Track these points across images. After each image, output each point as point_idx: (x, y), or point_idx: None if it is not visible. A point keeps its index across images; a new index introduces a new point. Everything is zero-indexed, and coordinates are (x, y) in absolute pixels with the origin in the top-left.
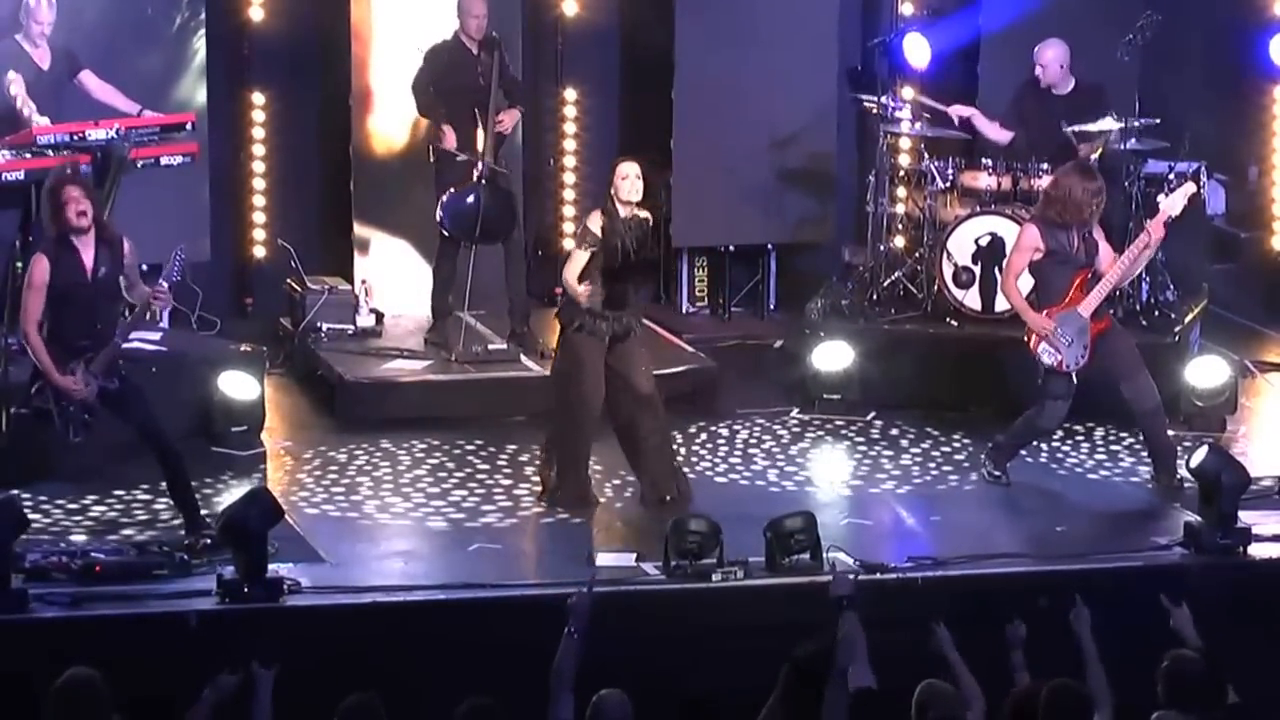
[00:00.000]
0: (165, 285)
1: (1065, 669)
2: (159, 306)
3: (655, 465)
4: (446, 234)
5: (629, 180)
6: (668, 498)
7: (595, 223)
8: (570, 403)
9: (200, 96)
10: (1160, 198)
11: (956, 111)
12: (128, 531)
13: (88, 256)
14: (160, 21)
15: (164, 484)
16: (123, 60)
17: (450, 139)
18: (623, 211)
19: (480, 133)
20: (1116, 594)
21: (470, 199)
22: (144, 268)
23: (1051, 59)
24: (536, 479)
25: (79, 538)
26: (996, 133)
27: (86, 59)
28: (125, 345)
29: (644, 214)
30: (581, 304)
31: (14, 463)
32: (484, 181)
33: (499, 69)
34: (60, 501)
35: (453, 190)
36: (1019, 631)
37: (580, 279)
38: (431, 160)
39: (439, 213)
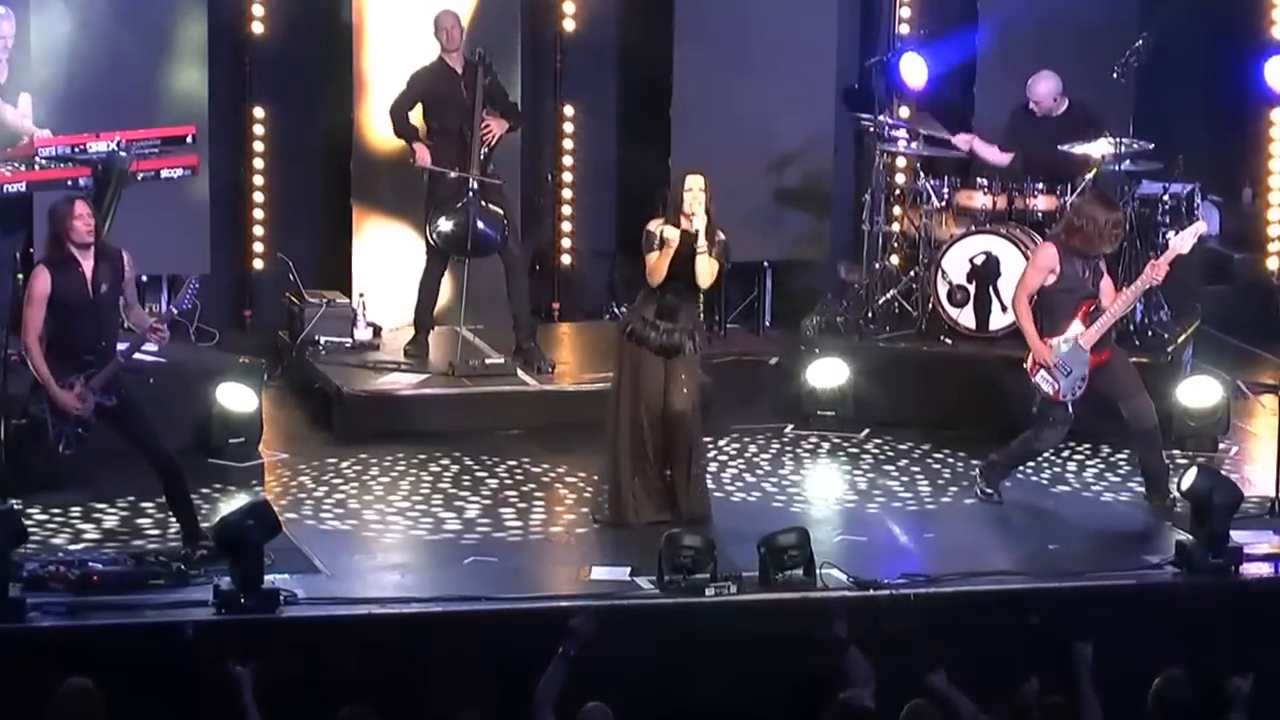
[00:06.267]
0: (165, 323)
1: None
2: (155, 341)
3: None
4: (436, 247)
5: (692, 193)
6: (662, 519)
7: (655, 225)
8: (612, 416)
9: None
10: (1170, 235)
11: (959, 140)
12: (125, 541)
13: (88, 271)
14: (157, 33)
15: (162, 495)
16: (123, 72)
17: (423, 155)
18: (681, 223)
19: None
20: (1109, 612)
21: (460, 214)
22: (144, 279)
23: (1045, 93)
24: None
25: (76, 547)
26: (996, 156)
27: (87, 67)
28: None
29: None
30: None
31: (13, 471)
32: (472, 195)
33: (485, 86)
34: (57, 511)
35: (443, 206)
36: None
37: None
38: (424, 177)
39: (428, 228)
